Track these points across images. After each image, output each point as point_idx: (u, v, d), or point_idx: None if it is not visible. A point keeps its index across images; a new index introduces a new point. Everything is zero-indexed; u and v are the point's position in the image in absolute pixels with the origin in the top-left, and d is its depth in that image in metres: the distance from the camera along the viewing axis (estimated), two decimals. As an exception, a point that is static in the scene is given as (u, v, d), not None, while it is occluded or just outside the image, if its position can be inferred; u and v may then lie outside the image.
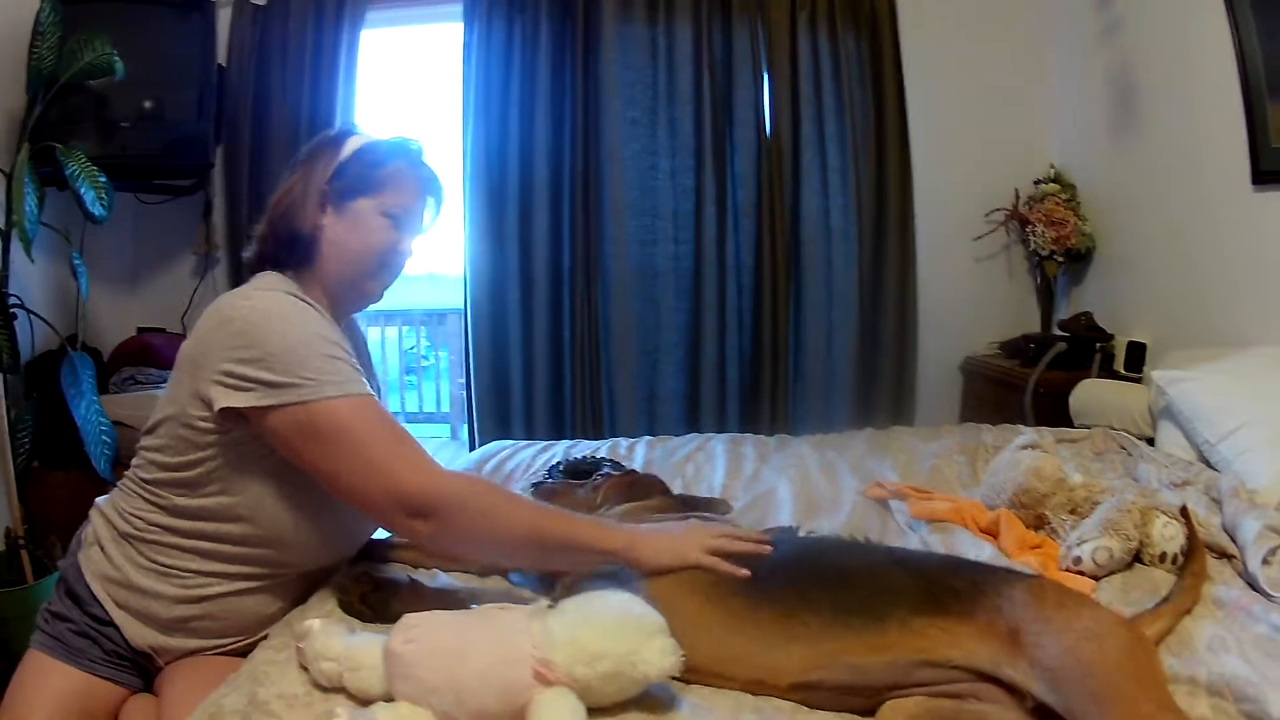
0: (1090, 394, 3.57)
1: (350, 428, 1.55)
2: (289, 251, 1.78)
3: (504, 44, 4.15)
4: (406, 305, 7.60)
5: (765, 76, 4.26)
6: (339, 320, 1.82)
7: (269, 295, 1.65)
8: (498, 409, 4.27)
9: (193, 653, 1.73)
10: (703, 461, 2.93)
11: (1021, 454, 2.44)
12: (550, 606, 1.44)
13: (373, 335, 7.21)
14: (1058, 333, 4.18)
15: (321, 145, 1.85)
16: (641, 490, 2.12)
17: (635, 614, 1.39)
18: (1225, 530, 2.24)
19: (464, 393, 4.45)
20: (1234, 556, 2.14)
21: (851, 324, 4.33)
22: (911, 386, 4.47)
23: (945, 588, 1.56)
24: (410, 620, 1.38)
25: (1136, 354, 3.79)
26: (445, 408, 8.09)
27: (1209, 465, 2.73)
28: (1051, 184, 4.35)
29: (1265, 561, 2.04)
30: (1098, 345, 3.93)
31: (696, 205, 4.24)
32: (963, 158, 4.51)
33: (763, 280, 4.27)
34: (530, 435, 4.15)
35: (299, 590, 1.80)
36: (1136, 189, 3.97)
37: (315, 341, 1.59)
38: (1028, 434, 2.49)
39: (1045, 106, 4.54)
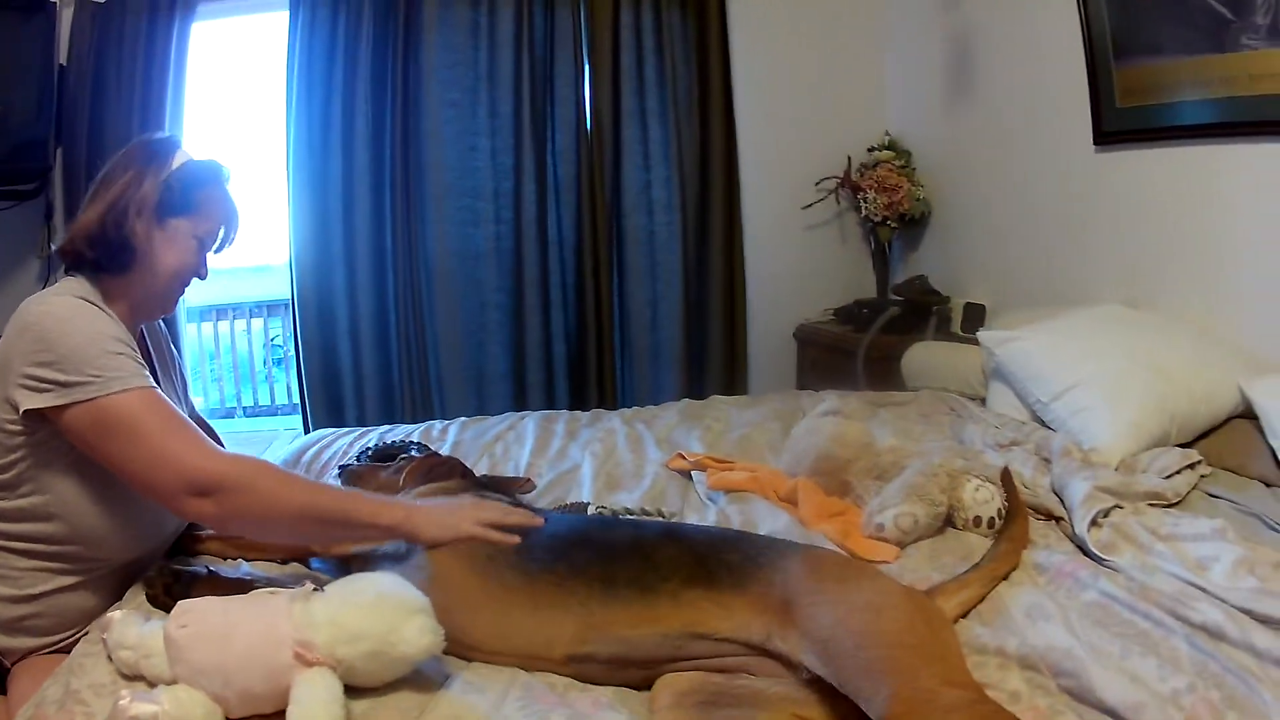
0: (922, 357, 3.45)
1: (136, 418, 1.61)
2: (110, 256, 1.79)
3: (328, 30, 3.99)
4: (241, 298, 7.30)
5: (586, 53, 4.17)
6: (135, 327, 1.87)
7: (62, 300, 1.69)
8: (329, 397, 4.15)
9: (33, 651, 1.76)
10: (512, 441, 2.85)
11: (823, 420, 2.32)
12: (316, 590, 1.43)
13: (237, 328, 7.14)
14: (892, 298, 4.13)
15: (149, 153, 1.86)
16: (442, 472, 2.09)
17: (395, 594, 1.40)
18: (1054, 492, 2.11)
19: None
20: (1062, 519, 2.00)
21: (677, 295, 4.29)
22: (743, 356, 4.42)
23: (718, 561, 1.53)
24: (184, 606, 1.39)
25: (975, 316, 3.69)
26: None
27: (1044, 425, 2.61)
28: (886, 151, 4.29)
29: (1095, 524, 1.91)
30: (933, 308, 3.86)
31: (516, 184, 4.13)
32: (794, 128, 4.42)
33: (584, 255, 4.23)
34: (362, 421, 4.05)
35: (119, 584, 1.82)
36: (975, 153, 3.93)
37: (101, 340, 1.65)
38: (830, 400, 2.27)
39: (881, 74, 4.50)
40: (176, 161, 1.85)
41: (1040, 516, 2.03)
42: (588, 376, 4.25)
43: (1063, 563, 1.77)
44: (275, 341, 7.61)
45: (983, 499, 1.96)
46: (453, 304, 4.14)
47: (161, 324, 2.12)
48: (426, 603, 1.41)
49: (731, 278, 4.32)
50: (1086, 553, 1.84)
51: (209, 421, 2.29)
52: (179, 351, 2.24)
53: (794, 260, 4.47)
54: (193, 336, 3.89)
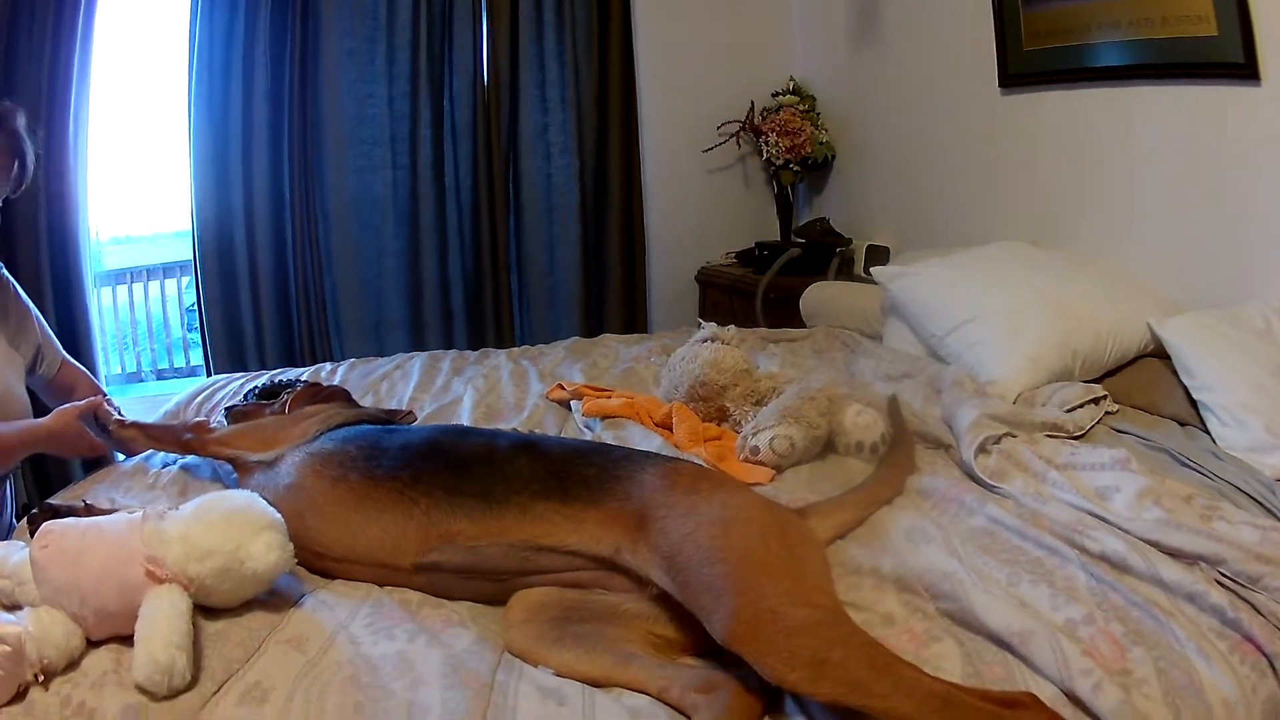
0: (821, 296, 3.33)
1: None
2: None
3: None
4: (151, 261, 6.91)
5: None
6: None
7: None
8: (230, 350, 3.98)
9: None
10: (398, 379, 2.74)
11: (700, 346, 2.20)
12: (169, 509, 1.41)
13: (151, 291, 6.69)
14: (794, 240, 4.01)
15: None
16: (324, 397, 2.04)
17: (245, 510, 1.37)
18: (944, 422, 1.99)
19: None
20: (951, 446, 1.90)
21: (575, 238, 4.17)
22: (642, 299, 4.26)
23: (574, 474, 1.45)
24: (46, 527, 1.35)
25: (879, 258, 3.56)
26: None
27: (940, 361, 2.49)
28: (790, 96, 4.16)
29: (983, 450, 1.80)
30: (835, 250, 3.75)
31: (413, 130, 4.00)
32: (696, 71, 4.28)
33: (480, 200, 4.07)
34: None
35: None
36: (880, 97, 3.84)
37: None
38: (709, 327, 2.13)
39: (786, 18, 4.37)
40: None
41: (928, 445, 1.91)
42: (485, 321, 4.14)
43: (948, 488, 1.67)
44: (191, 308, 7.37)
45: (865, 423, 1.86)
46: (350, 252, 4.01)
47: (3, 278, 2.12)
48: (277, 519, 1.38)
49: (630, 221, 4.20)
50: (975, 480, 1.72)
51: (77, 365, 2.30)
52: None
53: (695, 204, 4.34)
54: (107, 301, 3.67)
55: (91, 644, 1.26)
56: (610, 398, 2.19)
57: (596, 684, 1.18)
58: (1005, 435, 1.83)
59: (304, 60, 3.81)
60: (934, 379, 2.24)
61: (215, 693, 1.18)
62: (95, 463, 3.25)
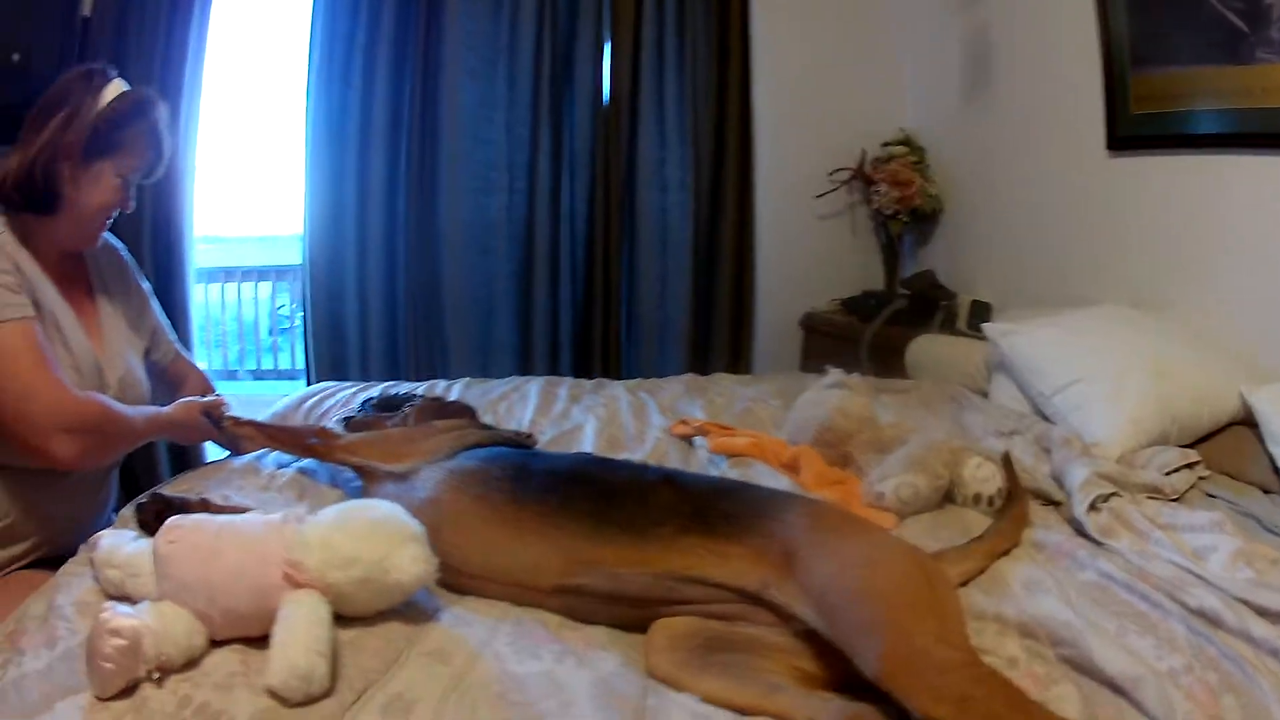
0: (926, 349, 3.42)
1: (13, 350, 1.67)
2: (36, 200, 1.81)
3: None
4: (250, 264, 7.11)
5: (607, 27, 4.07)
6: (61, 260, 1.92)
7: None
8: (334, 362, 4.04)
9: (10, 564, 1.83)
10: (516, 401, 2.79)
11: (827, 392, 2.27)
12: (310, 515, 1.40)
13: (245, 293, 6.93)
14: (900, 291, 4.07)
15: (82, 89, 1.86)
16: (450, 412, 2.07)
17: (391, 520, 1.37)
18: (1053, 478, 2.07)
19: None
20: (1060, 503, 1.97)
21: (686, 274, 4.20)
22: (748, 339, 4.31)
23: (716, 510, 1.48)
24: (174, 521, 1.34)
25: (981, 314, 3.61)
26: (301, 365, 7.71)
27: (1045, 419, 2.56)
28: (900, 146, 4.20)
29: (1093, 508, 1.88)
30: (940, 303, 3.78)
31: (531, 155, 4.03)
32: (810, 117, 4.33)
33: (595, 229, 4.13)
34: (367, 386, 3.92)
35: (90, 490, 1.99)
36: (989, 152, 3.87)
37: None
38: (836, 373, 2.20)
39: (898, 70, 4.41)
40: (107, 97, 1.85)
41: (1040, 500, 1.99)
42: (593, 350, 4.18)
43: (1061, 542, 1.75)
44: (281, 311, 7.54)
45: (984, 476, 1.92)
46: (462, 272, 4.05)
47: (114, 239, 2.14)
48: (421, 532, 1.38)
49: (741, 260, 4.23)
50: (1084, 535, 1.80)
51: (190, 359, 2.33)
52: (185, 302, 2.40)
53: (804, 248, 4.39)
54: (199, 299, 3.85)
55: (213, 644, 1.26)
56: (735, 436, 2.26)
57: (743, 712, 1.23)
58: (1113, 495, 1.90)
59: (425, 74, 3.87)
60: (1040, 437, 2.30)
61: (354, 702, 1.18)
62: (181, 457, 3.43)
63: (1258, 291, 2.61)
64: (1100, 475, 1.96)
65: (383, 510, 1.41)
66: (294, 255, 4.06)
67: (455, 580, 1.50)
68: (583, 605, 1.45)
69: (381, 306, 4.02)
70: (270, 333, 7.44)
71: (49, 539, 1.89)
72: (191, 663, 1.22)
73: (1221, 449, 2.31)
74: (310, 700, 1.17)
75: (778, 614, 1.37)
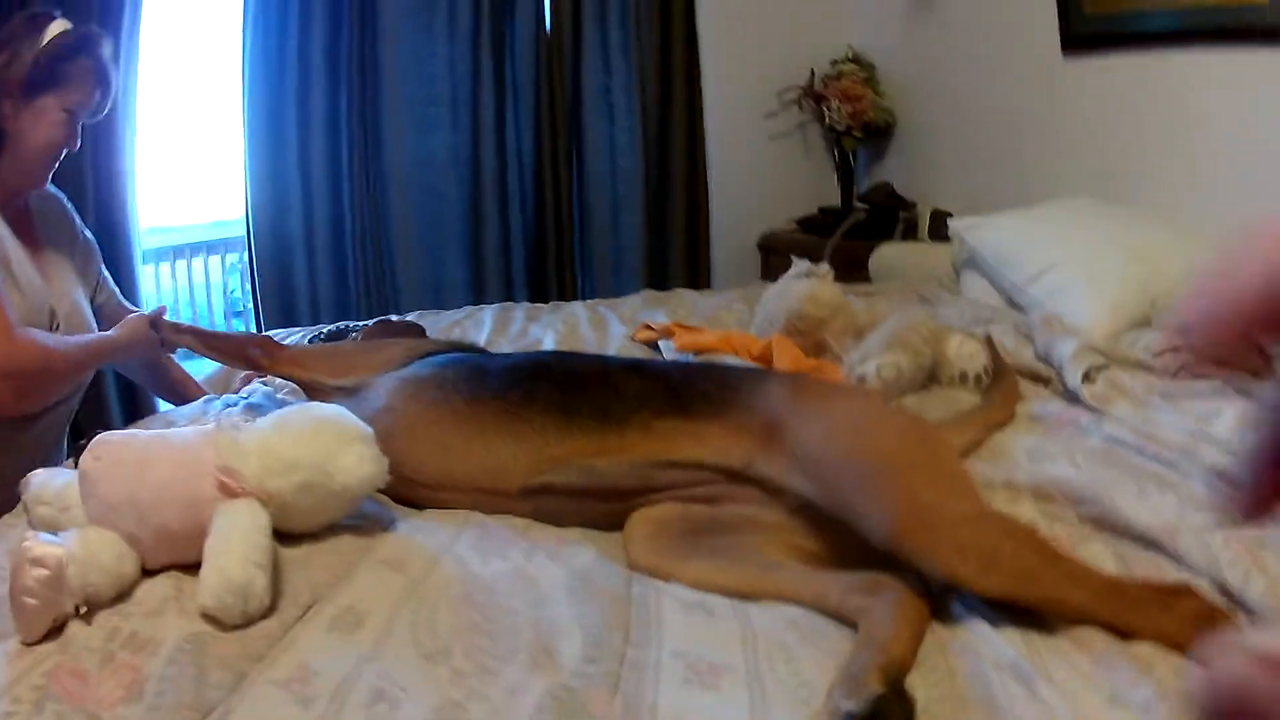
0: (890, 257, 3.30)
1: None
2: None
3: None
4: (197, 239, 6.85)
5: None
6: (7, 204, 1.86)
7: None
8: (283, 310, 3.88)
9: None
10: (470, 326, 2.65)
11: (796, 281, 2.13)
12: (248, 420, 1.26)
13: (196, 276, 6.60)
14: (857, 205, 3.95)
15: (21, 31, 1.81)
16: (397, 333, 1.96)
17: (334, 420, 1.22)
18: (1039, 358, 1.94)
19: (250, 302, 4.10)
20: (1050, 380, 1.85)
21: (638, 201, 4.04)
22: (706, 264, 4.20)
23: (693, 390, 1.36)
24: (102, 438, 1.18)
25: (943, 223, 3.39)
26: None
27: (1019, 310, 2.45)
28: (849, 64, 4.07)
29: (1087, 379, 1.74)
30: (900, 214, 3.68)
31: (474, 90, 3.91)
32: (756, 38, 4.20)
33: (543, 161, 3.94)
34: (318, 335, 3.75)
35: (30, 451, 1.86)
36: (940, 62, 3.76)
37: None
38: (803, 263, 2.05)
39: None
40: (50, 34, 1.80)
41: (1028, 379, 1.86)
42: (548, 284, 4.07)
43: (1059, 412, 1.64)
44: (234, 294, 7.39)
45: (968, 353, 1.81)
46: (409, 213, 3.93)
47: (56, 190, 2.07)
48: (368, 431, 1.23)
49: (694, 185, 4.12)
50: (1083, 405, 1.67)
51: (132, 307, 2.22)
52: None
53: (757, 170, 4.27)
54: (149, 287, 3.63)
55: (147, 574, 1.10)
56: (702, 333, 2.13)
57: (741, 595, 1.09)
58: (1104, 367, 1.78)
59: (363, 13, 3.74)
60: (1019, 325, 2.18)
61: (299, 619, 1.03)
62: (135, 410, 3.28)
63: (1220, 188, 2.53)
64: (1088, 347, 1.83)
65: (326, 411, 1.26)
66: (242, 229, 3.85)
67: (413, 493, 1.37)
68: (552, 506, 1.32)
69: (329, 252, 3.87)
70: (225, 316, 7.27)
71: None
72: (122, 594, 1.06)
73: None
74: (248, 620, 1.01)
75: (767, 490, 1.25)
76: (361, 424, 1.23)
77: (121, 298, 2.22)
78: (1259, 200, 2.38)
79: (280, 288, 3.82)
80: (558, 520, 1.31)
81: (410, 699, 0.88)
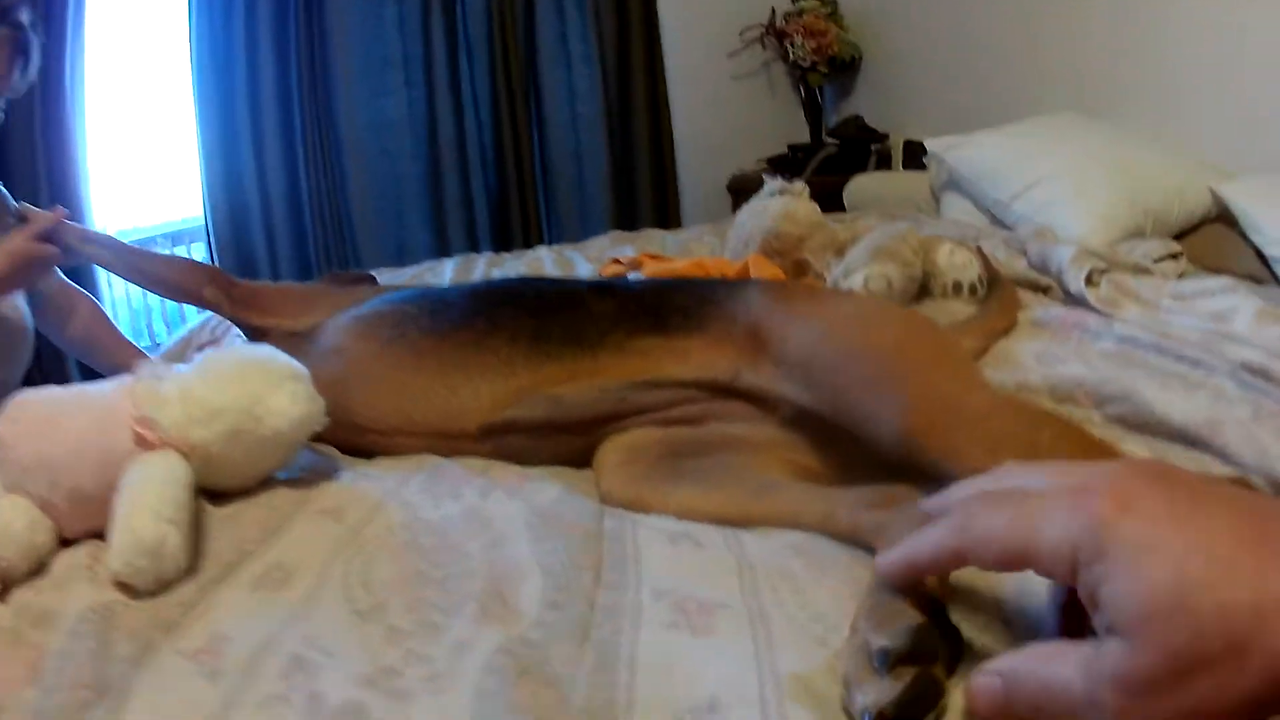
0: (864, 187, 3.18)
1: None
2: None
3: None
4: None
5: None
6: None
7: None
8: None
9: None
10: (430, 278, 2.51)
11: (769, 200, 1.98)
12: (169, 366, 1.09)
13: None
14: (827, 140, 3.85)
15: None
16: (352, 281, 1.74)
17: (263, 360, 1.06)
18: (1034, 268, 1.79)
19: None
20: (1049, 288, 1.70)
21: (602, 149, 3.98)
22: (675, 209, 4.09)
23: (670, 306, 1.21)
24: (20, 396, 1.03)
25: (916, 153, 3.33)
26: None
27: (1004, 228, 2.33)
28: (809, 0, 3.95)
29: (1089, 282, 1.61)
30: (872, 147, 3.58)
31: (426, 48, 3.80)
32: None
33: (501, 113, 3.87)
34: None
35: None
36: None
37: None
38: (777, 181, 1.88)
39: None
40: None
41: (1025, 288, 1.71)
42: (512, 238, 3.94)
43: (1064, 315, 1.48)
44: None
45: (960, 263, 1.66)
46: (367, 178, 3.82)
47: None
48: (301, 369, 1.06)
49: (658, 129, 4.01)
50: (1089, 309, 1.53)
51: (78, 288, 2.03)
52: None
53: (722, 111, 4.14)
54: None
55: (66, 543, 0.96)
56: (673, 262, 1.99)
57: (734, 523, 0.93)
58: (1105, 271, 1.64)
59: None
60: (1008, 239, 2.06)
61: (220, 580, 0.87)
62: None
63: (1206, 92, 2.39)
64: (1086, 251, 1.69)
65: (254, 351, 1.09)
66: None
67: (364, 441, 1.20)
68: (516, 445, 1.16)
69: (287, 223, 3.75)
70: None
71: None
72: (39, 566, 0.91)
73: (1200, 245, 2.10)
74: (162, 584, 0.84)
75: (757, 403, 1.09)
76: (294, 363, 1.07)
77: (70, 281, 2.01)
78: (1240, 113, 2.29)
79: (238, 261, 3.71)
80: (523, 460, 1.15)
81: (334, 664, 0.73)
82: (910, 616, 0.60)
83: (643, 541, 0.87)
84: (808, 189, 1.97)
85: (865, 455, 0.93)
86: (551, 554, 0.84)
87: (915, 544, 0.57)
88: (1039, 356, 1.27)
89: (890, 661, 0.58)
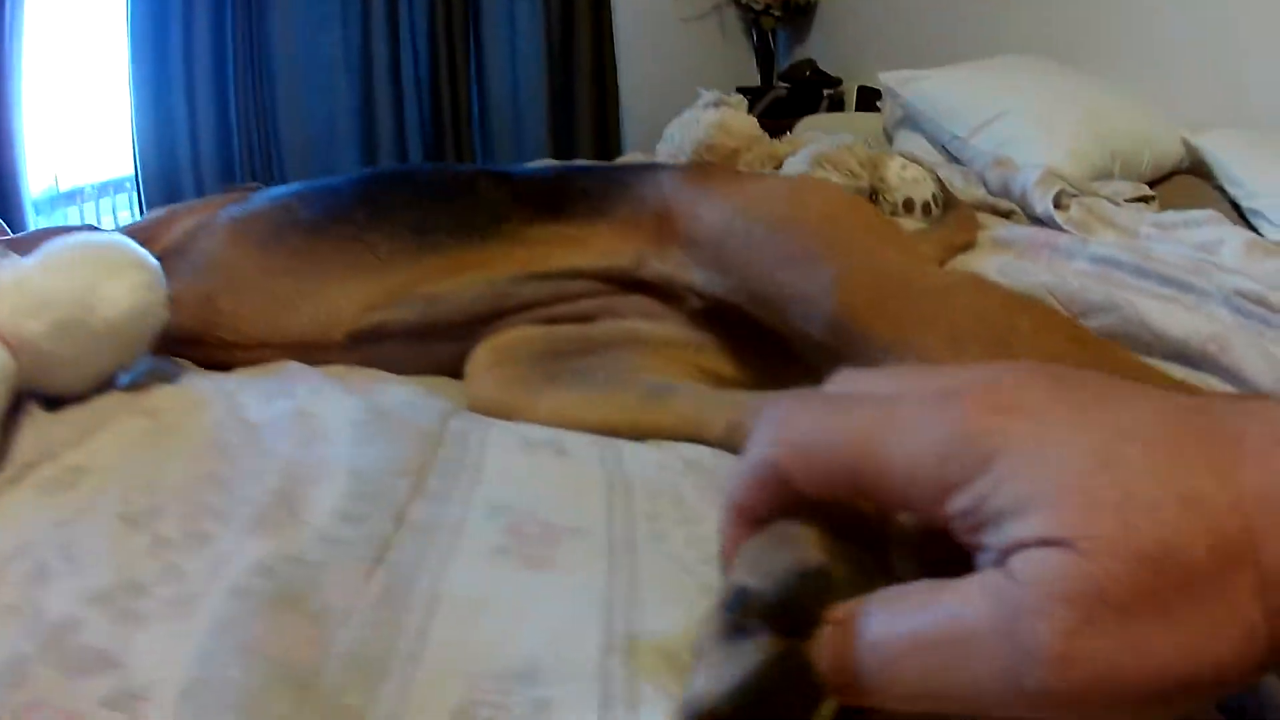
0: (815, 126, 2.96)
1: None
2: None
3: None
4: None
5: None
6: None
7: None
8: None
9: None
10: None
11: (703, 111, 1.83)
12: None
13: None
14: (778, 84, 3.72)
15: None
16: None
17: (107, 247, 0.86)
18: (996, 195, 1.61)
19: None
20: (1011, 213, 1.52)
21: (542, 89, 3.86)
22: (617, 153, 3.91)
23: (570, 190, 1.03)
24: None
25: (870, 100, 3.23)
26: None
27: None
28: (762, -59, 3.89)
29: (1058, 205, 1.44)
30: (824, 93, 3.45)
31: None
32: None
33: (438, 47, 3.74)
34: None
35: None
36: None
37: None
38: (713, 93, 1.70)
39: None
40: None
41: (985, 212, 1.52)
42: None
43: (1033, 234, 1.28)
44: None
45: (912, 178, 1.48)
46: (298, 114, 3.70)
47: None
48: (149, 261, 0.86)
49: (601, 70, 3.89)
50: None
51: None
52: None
53: (669, 54, 3.98)
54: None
55: None
56: None
57: (617, 433, 0.74)
58: (1077, 195, 1.46)
59: None
60: (966, 171, 1.91)
61: (14, 482, 0.67)
62: None
63: (1181, 47, 2.30)
64: (1052, 173, 1.50)
65: (100, 238, 0.91)
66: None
67: (224, 357, 1.00)
68: (387, 353, 0.97)
69: (215, 157, 3.63)
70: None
71: None
72: None
73: (1172, 194, 1.96)
74: None
75: (662, 296, 0.92)
76: (143, 253, 0.87)
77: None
78: (1215, 69, 2.21)
79: (165, 193, 3.56)
80: (397, 371, 0.96)
81: (73, 575, 0.53)
82: (806, 554, 0.36)
83: (490, 446, 0.66)
84: (746, 102, 1.78)
85: (787, 357, 0.72)
86: (367, 457, 0.63)
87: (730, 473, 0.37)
88: (1002, 270, 1.07)
89: (742, 613, 0.34)
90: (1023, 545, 0.27)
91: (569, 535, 0.53)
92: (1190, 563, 0.26)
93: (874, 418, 0.31)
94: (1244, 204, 1.77)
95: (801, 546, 0.34)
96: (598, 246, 0.94)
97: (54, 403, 0.79)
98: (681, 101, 3.65)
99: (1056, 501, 0.27)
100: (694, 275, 0.85)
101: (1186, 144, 2.01)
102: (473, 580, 0.48)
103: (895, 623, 0.29)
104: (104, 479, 0.64)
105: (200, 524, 0.57)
